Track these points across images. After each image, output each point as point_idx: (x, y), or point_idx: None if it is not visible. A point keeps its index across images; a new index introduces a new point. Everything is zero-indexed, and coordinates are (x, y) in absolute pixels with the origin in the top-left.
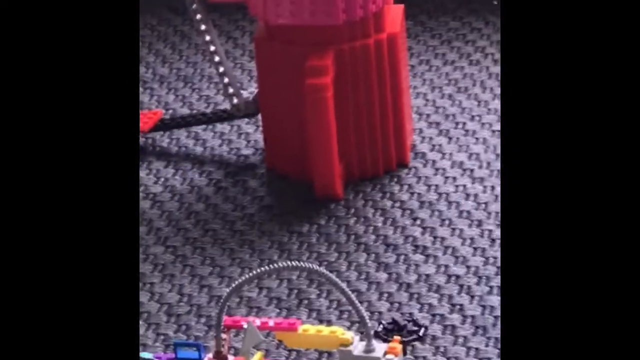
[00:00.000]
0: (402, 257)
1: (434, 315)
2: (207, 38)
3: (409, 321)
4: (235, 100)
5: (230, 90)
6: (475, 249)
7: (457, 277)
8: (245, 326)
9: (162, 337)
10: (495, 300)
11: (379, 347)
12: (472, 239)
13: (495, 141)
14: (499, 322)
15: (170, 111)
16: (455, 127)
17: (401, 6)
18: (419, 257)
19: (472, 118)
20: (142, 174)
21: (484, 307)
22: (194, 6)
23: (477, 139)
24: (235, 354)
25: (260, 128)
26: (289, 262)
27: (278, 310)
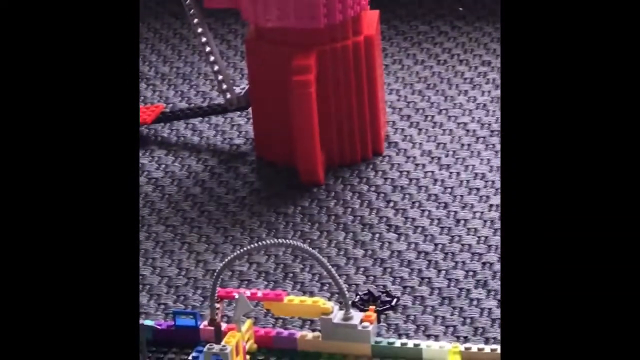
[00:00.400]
0: (377, 235)
1: (404, 287)
2: (204, 40)
3: (382, 292)
4: (228, 95)
5: (224, 86)
6: (442, 228)
7: (426, 253)
8: (236, 297)
9: (162, 306)
10: (460, 273)
11: (356, 316)
12: (439, 219)
13: (461, 132)
14: (463, 293)
15: (171, 105)
16: (425, 120)
17: (376, 11)
18: (391, 236)
19: (440, 112)
20: (145, 160)
21: (449, 280)
22: (192, 11)
23: (444, 130)
24: (227, 322)
25: (251, 120)
26: (275, 240)
27: (266, 283)
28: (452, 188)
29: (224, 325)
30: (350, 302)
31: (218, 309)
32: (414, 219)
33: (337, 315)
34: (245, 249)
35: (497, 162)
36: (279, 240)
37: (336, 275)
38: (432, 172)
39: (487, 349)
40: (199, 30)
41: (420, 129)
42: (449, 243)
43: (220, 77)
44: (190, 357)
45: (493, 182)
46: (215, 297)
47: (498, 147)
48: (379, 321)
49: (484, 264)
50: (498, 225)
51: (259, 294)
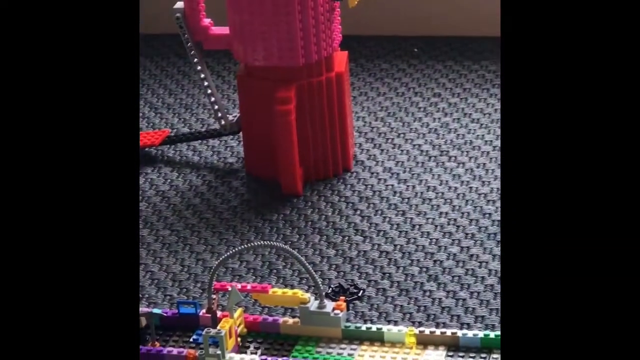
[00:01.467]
0: (346, 238)
1: (369, 281)
2: (202, 75)
3: (351, 285)
4: (222, 122)
5: (219, 114)
6: (400, 231)
7: (387, 252)
8: (230, 289)
9: (168, 297)
10: (415, 269)
11: (329, 305)
12: (398, 224)
13: (416, 152)
14: (418, 286)
15: (175, 130)
16: (386, 142)
17: (345, 52)
18: (358, 238)
19: (398, 135)
20: (154, 176)
21: (406, 274)
22: (193, 52)
23: (402, 150)
24: (222, 310)
25: (242, 142)
26: (262, 242)
27: (254, 277)
28: (408, 198)
29: (219, 313)
30: (324, 294)
31: (214, 299)
32: (377, 224)
33: (313, 305)
34: (237, 249)
35: (446, 176)
36: (265, 242)
37: (312, 271)
38: (392, 185)
39: (438, 332)
40: (199, 67)
41: (382, 150)
42: (406, 244)
43: (216, 107)
44: (191, 340)
45: (442, 193)
46: (212, 290)
47: (447, 164)
48: (348, 309)
49: (435, 261)
50: (447, 229)
51: (248, 286)
